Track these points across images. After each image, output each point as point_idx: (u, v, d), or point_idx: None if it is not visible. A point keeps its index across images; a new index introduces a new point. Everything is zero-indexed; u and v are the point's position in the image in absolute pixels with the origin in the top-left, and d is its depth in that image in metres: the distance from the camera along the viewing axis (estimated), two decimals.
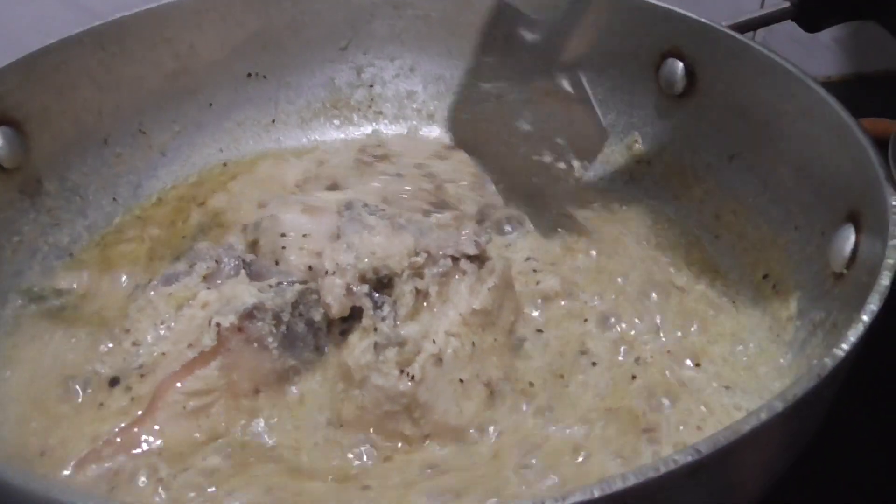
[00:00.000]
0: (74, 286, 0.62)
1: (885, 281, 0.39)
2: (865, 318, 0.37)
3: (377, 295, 0.51)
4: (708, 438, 0.31)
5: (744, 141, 0.63)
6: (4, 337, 0.58)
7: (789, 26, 0.66)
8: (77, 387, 0.51)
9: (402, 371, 0.47)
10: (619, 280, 0.60)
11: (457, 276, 0.51)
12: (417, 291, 0.50)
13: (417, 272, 0.51)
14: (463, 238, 0.53)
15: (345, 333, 0.52)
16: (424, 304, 0.50)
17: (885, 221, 0.42)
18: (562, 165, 0.66)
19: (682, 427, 0.48)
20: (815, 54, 1.03)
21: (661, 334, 0.56)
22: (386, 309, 0.50)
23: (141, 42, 0.70)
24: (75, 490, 0.40)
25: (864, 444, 0.59)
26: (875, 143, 0.49)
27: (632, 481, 0.30)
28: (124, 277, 0.62)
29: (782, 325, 0.54)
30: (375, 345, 0.48)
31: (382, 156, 0.72)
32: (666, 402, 0.50)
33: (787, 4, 0.64)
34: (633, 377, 0.52)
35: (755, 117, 0.62)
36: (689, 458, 0.30)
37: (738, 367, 0.53)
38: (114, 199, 0.70)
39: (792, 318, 0.53)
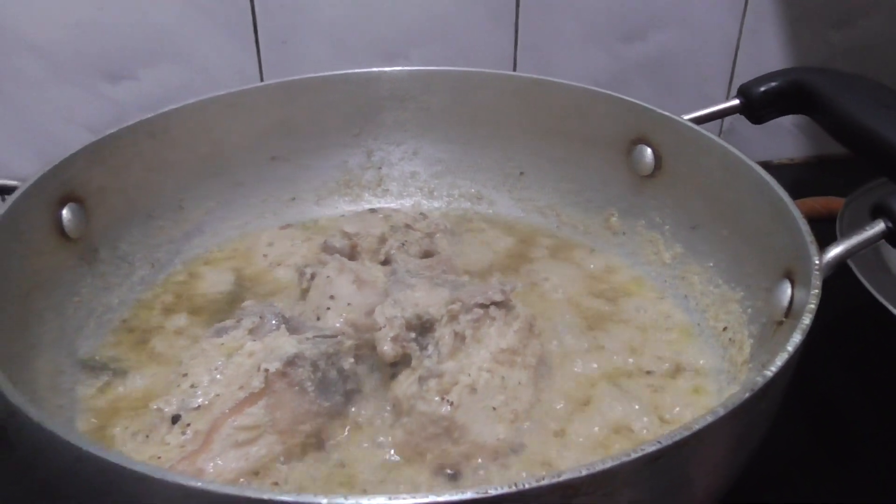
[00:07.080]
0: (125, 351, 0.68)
1: (806, 320, 0.48)
2: (790, 348, 0.45)
3: (422, 339, 0.57)
4: (668, 434, 0.39)
5: (703, 214, 0.72)
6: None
7: None
8: (143, 422, 0.58)
9: (442, 398, 0.53)
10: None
11: (488, 321, 0.58)
12: (455, 334, 0.56)
13: (454, 317, 0.57)
14: (490, 288, 0.59)
15: (395, 375, 0.58)
16: (462, 344, 0.56)
17: (811, 276, 0.51)
18: None
19: None
20: (778, 139, 1.10)
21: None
22: (430, 349, 0.56)
23: (183, 130, 0.78)
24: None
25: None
26: (814, 217, 0.58)
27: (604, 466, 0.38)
28: (164, 336, 0.70)
29: (738, 369, 0.61)
30: (420, 378, 0.55)
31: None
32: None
33: (737, 102, 0.74)
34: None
35: (711, 193, 0.71)
36: (653, 448, 0.38)
37: (699, 407, 0.60)
38: (152, 265, 0.77)
39: (746, 362, 0.60)
